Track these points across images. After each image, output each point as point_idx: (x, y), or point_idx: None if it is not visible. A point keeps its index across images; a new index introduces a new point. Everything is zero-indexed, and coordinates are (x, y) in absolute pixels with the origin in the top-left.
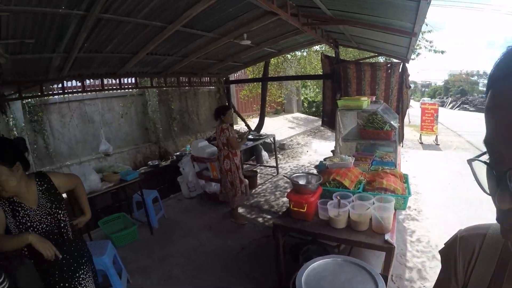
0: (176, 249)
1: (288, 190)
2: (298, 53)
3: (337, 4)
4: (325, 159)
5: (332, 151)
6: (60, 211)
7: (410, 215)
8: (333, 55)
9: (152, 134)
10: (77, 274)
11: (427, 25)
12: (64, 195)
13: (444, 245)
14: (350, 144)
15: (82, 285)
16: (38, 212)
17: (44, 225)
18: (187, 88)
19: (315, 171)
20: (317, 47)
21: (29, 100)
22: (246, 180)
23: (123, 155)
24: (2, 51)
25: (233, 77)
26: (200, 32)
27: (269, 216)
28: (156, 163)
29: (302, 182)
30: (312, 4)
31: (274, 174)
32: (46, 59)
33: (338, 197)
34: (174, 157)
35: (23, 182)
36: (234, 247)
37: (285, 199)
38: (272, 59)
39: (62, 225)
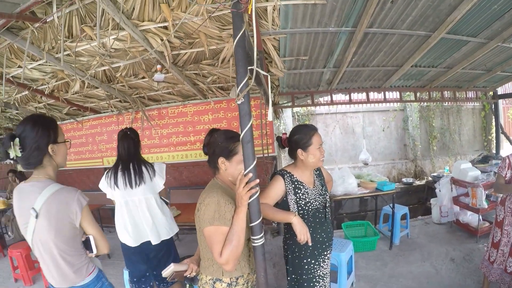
0: (409, 271)
1: None
2: None
3: None
4: None
5: None
6: (327, 193)
7: None
8: None
9: (410, 151)
10: (325, 252)
11: None
12: None
13: None
14: None
15: (325, 264)
16: (314, 192)
17: (317, 203)
18: (449, 104)
19: None
20: None
21: (299, 109)
22: None
23: (378, 168)
24: (281, 66)
25: (501, 90)
26: (465, 37)
27: None
28: (410, 181)
29: None
30: None
31: None
32: (318, 74)
33: None
34: (430, 177)
35: None
36: None
37: None
38: None
39: (326, 205)
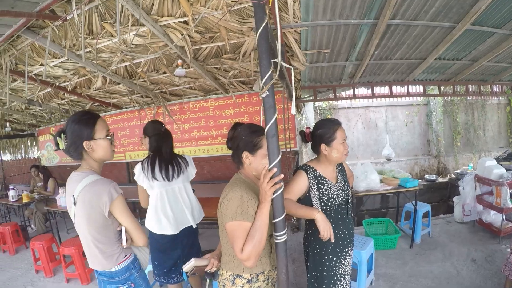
0: (429, 270)
1: None
2: None
3: None
4: None
5: None
6: (349, 189)
7: None
8: None
9: (433, 146)
10: (346, 249)
11: None
12: None
13: None
14: None
15: (347, 261)
16: (336, 187)
17: (339, 199)
18: (473, 99)
19: None
20: None
21: (321, 103)
22: None
23: (401, 164)
24: (303, 60)
25: None
26: (490, 29)
27: None
28: (433, 177)
29: None
30: None
31: None
32: (340, 67)
33: None
34: (453, 175)
35: None
36: None
37: None
38: None
39: (348, 201)
